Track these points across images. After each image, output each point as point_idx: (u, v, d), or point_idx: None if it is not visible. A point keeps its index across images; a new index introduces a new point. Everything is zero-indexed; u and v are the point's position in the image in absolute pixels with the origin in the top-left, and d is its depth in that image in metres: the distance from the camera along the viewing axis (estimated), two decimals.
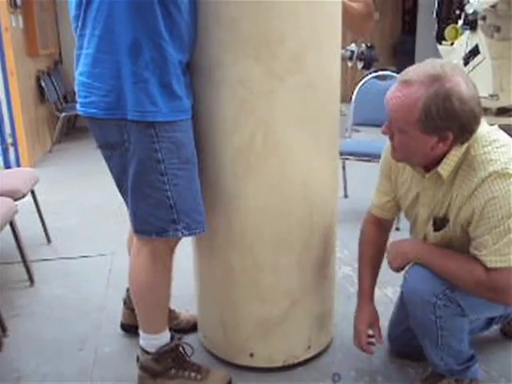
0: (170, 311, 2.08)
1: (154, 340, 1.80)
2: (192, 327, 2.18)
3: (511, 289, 1.50)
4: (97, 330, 2.26)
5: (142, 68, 1.49)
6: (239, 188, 1.76)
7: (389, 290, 2.49)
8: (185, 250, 1.96)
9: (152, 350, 1.80)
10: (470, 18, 4.50)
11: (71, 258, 3.03)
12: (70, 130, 6.77)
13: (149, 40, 1.48)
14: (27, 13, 5.33)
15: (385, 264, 1.79)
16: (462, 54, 4.67)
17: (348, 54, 3.81)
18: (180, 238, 1.72)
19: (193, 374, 1.84)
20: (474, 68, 4.56)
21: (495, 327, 2.09)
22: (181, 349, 1.87)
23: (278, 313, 1.88)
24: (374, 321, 1.86)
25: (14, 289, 2.66)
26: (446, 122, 1.45)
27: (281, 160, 1.72)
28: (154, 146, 1.55)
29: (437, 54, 5.12)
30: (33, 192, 3.08)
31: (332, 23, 1.75)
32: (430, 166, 1.60)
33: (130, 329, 2.13)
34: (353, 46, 3.87)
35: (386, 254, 1.78)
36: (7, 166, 4.76)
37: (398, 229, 3.23)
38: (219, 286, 1.91)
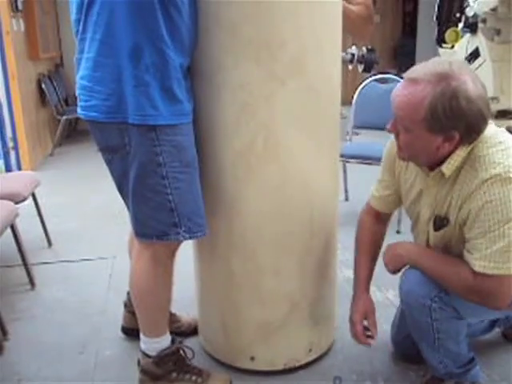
0: (171, 314, 2.08)
1: (155, 343, 1.80)
2: (193, 330, 2.18)
3: (498, 294, 1.49)
4: (97, 334, 2.26)
5: (142, 72, 1.50)
6: (240, 191, 1.76)
7: (390, 292, 2.48)
8: (186, 253, 1.96)
9: (153, 353, 1.80)
10: (471, 20, 4.50)
11: (72, 262, 3.03)
12: (71, 133, 6.78)
13: (150, 44, 1.48)
14: (28, 16, 5.34)
15: None
16: (463, 57, 4.67)
17: (348, 56, 3.81)
18: (181, 242, 1.72)
19: (194, 378, 1.84)
20: (474, 71, 4.56)
21: (497, 330, 2.09)
22: (182, 352, 1.87)
23: (278, 316, 1.87)
24: (369, 311, 1.83)
25: (14, 292, 2.66)
26: (453, 121, 1.43)
27: (281, 163, 1.72)
28: (155, 150, 1.55)
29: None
30: (34, 195, 3.08)
31: (332, 26, 1.76)
32: (434, 165, 1.59)
33: (131, 332, 2.13)
34: (353, 49, 3.86)
35: (382, 256, 1.78)
36: (8, 169, 4.77)
37: (398, 232, 3.23)
38: (220, 290, 1.91)
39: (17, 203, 2.66)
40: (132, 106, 1.51)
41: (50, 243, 3.25)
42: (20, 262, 2.69)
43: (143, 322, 1.81)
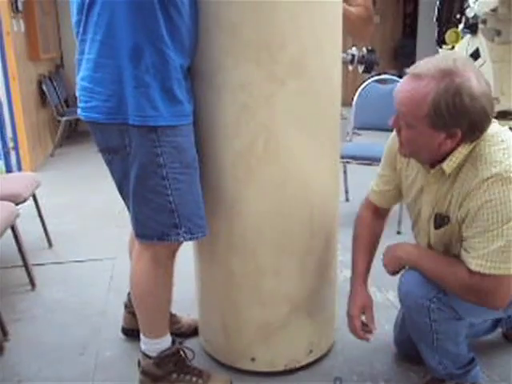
0: (172, 315, 2.08)
1: (156, 344, 1.80)
2: (193, 331, 2.18)
3: (497, 294, 1.48)
4: (98, 334, 2.26)
5: (143, 72, 1.50)
6: (240, 192, 1.76)
7: (390, 293, 2.48)
8: (186, 254, 1.96)
9: (153, 354, 1.80)
10: (471, 21, 4.51)
11: (72, 262, 3.03)
12: (72, 134, 6.78)
13: (150, 44, 1.48)
14: (29, 17, 5.34)
15: None
16: None
17: (349, 57, 3.81)
18: (181, 243, 1.72)
19: (194, 379, 1.84)
20: None
21: (499, 330, 2.09)
22: (182, 353, 1.87)
23: (279, 317, 1.87)
24: (367, 305, 1.81)
25: (15, 293, 2.66)
26: (456, 118, 1.42)
27: (282, 164, 1.72)
28: (155, 151, 1.55)
29: None
30: (34, 196, 3.08)
31: (333, 27, 1.75)
32: (435, 162, 1.58)
33: (131, 333, 2.13)
34: (353, 50, 3.86)
35: (382, 258, 1.78)
36: (9, 170, 4.77)
37: (399, 232, 3.23)
38: (220, 290, 1.91)
39: (17, 204, 2.66)
40: (132, 106, 1.51)
41: (50, 244, 3.25)
42: (20, 262, 2.69)
43: (143, 322, 1.81)
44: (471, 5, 4.40)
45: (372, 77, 3.90)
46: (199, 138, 1.72)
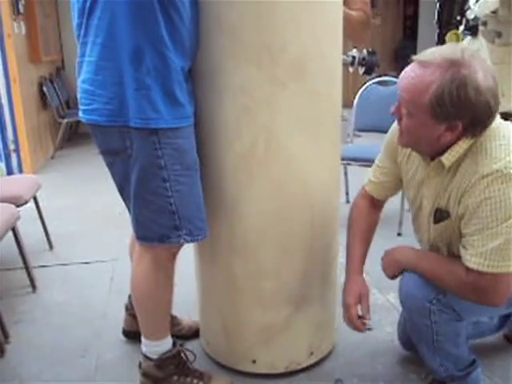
0: (172, 317, 2.08)
1: (156, 347, 1.80)
2: (194, 333, 2.18)
3: (496, 291, 1.47)
4: (99, 337, 2.25)
5: (144, 75, 1.50)
6: (241, 194, 1.76)
7: (391, 295, 2.48)
8: (187, 256, 1.96)
9: (154, 356, 1.80)
10: (471, 23, 4.51)
11: (73, 264, 3.03)
12: (72, 136, 6.78)
13: (151, 47, 1.49)
14: (30, 19, 5.35)
15: None
16: None
17: (349, 59, 3.81)
18: (182, 245, 1.72)
19: (195, 381, 1.84)
20: None
21: (500, 333, 2.09)
22: (183, 355, 1.87)
23: (280, 319, 1.87)
24: (364, 294, 1.76)
25: (16, 295, 2.66)
26: (458, 110, 1.39)
27: (282, 166, 1.73)
28: (156, 153, 1.55)
29: None
30: (35, 198, 3.09)
31: (333, 29, 1.76)
32: (435, 154, 1.56)
33: (132, 335, 2.13)
34: (354, 52, 3.87)
35: (380, 262, 1.78)
36: (9, 172, 4.77)
37: (399, 234, 3.23)
38: (221, 293, 1.91)
39: (18, 206, 2.66)
40: (133, 109, 1.52)
41: (51, 246, 3.25)
42: (21, 264, 2.69)
43: (144, 324, 1.81)
44: (471, 6, 4.40)
45: (372, 79, 3.90)
46: (200, 140, 1.72)
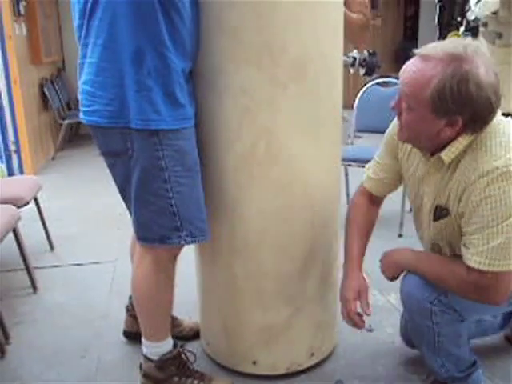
0: (173, 318, 2.08)
1: (157, 348, 1.80)
2: (195, 335, 2.18)
3: (497, 290, 1.47)
4: (99, 338, 2.25)
5: (144, 76, 1.50)
6: (242, 195, 1.76)
7: (392, 296, 2.48)
8: (187, 256, 1.96)
9: (155, 357, 1.80)
10: (472, 24, 4.51)
11: (74, 265, 3.03)
12: (73, 138, 6.79)
13: (152, 48, 1.49)
14: (30, 21, 5.35)
15: None
16: None
17: (350, 60, 3.82)
18: (183, 246, 1.72)
19: (195, 382, 1.84)
20: None
21: (504, 331, 2.09)
22: (183, 356, 1.87)
23: (280, 320, 1.87)
24: (363, 289, 1.73)
25: (16, 296, 2.66)
26: (458, 105, 1.38)
27: (283, 167, 1.73)
28: (157, 154, 1.55)
29: None
30: (36, 199, 3.09)
31: (334, 30, 1.76)
32: (434, 150, 1.55)
33: (133, 336, 2.13)
34: (355, 53, 3.88)
35: (379, 264, 1.77)
36: (10, 173, 4.77)
37: (400, 235, 3.23)
38: (222, 294, 1.91)
39: (19, 207, 2.67)
40: (134, 110, 1.52)
41: (52, 247, 3.25)
42: (22, 265, 2.69)
43: (145, 326, 1.81)
44: (472, 8, 4.40)
45: (373, 79, 3.90)
46: (201, 141, 1.72)
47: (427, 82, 1.39)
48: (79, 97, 1.64)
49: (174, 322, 2.12)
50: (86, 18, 1.53)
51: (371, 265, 1.86)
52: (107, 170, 1.71)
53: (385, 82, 3.89)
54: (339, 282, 2.00)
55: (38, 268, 2.91)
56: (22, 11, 5.04)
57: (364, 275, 1.77)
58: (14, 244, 2.59)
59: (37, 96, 5.57)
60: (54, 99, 5.88)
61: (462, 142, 1.47)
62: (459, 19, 5.02)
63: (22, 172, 4.94)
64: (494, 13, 4.16)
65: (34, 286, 2.70)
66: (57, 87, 6.11)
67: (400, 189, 3.17)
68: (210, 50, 1.66)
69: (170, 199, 1.60)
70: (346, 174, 3.79)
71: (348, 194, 3.88)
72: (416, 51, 1.45)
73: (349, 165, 3.48)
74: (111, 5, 1.48)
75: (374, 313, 2.33)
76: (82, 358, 2.12)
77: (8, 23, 4.70)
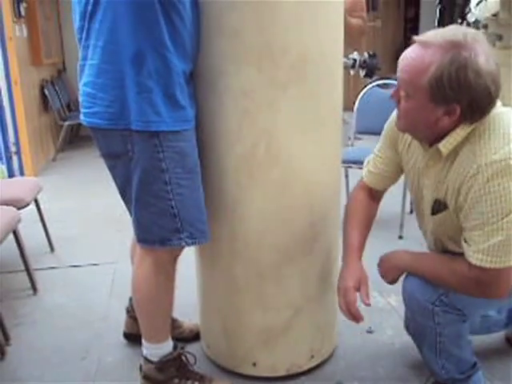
0: (173, 320, 2.08)
1: (157, 349, 1.80)
2: (195, 336, 2.17)
3: (498, 285, 1.47)
4: (99, 339, 2.25)
5: (145, 78, 1.50)
6: (242, 197, 1.76)
7: (392, 298, 2.48)
8: (187, 258, 1.96)
9: (155, 359, 1.80)
10: (472, 26, 4.52)
11: (74, 267, 3.03)
12: (74, 139, 6.79)
13: (152, 50, 1.49)
14: (31, 22, 5.36)
15: None
16: None
17: (350, 62, 3.82)
18: (183, 248, 1.72)
19: (196, 383, 1.84)
20: None
21: (502, 335, 2.08)
22: (184, 358, 1.87)
23: (281, 322, 1.87)
24: (363, 279, 1.67)
25: (17, 297, 2.66)
26: (456, 93, 1.36)
27: (283, 168, 1.73)
28: (157, 156, 1.55)
29: None
30: (36, 201, 3.09)
31: (334, 32, 1.76)
32: (433, 141, 1.53)
33: (133, 338, 2.13)
34: (355, 55, 3.87)
35: (378, 268, 1.77)
36: (11, 174, 4.78)
37: (400, 237, 3.23)
38: (222, 295, 1.91)
39: (19, 209, 2.67)
40: (135, 112, 1.52)
41: (52, 248, 3.25)
42: (22, 267, 2.69)
43: (145, 327, 1.81)
44: (472, 10, 4.41)
45: (373, 81, 3.90)
46: (201, 143, 1.73)
47: (425, 68, 1.38)
48: (80, 98, 1.64)
49: (174, 324, 2.12)
50: (86, 20, 1.53)
51: (371, 267, 1.86)
52: (107, 172, 1.71)
53: (385, 84, 3.89)
54: None
55: (38, 269, 2.91)
56: (23, 13, 5.05)
57: (364, 267, 1.73)
58: (15, 245, 2.59)
59: (37, 97, 5.58)
60: (54, 100, 5.88)
61: (459, 133, 1.46)
62: (459, 21, 5.02)
63: (22, 173, 4.94)
64: (494, 15, 4.17)
65: (34, 288, 2.70)
66: (57, 88, 6.12)
67: (400, 191, 3.18)
68: (210, 52, 1.66)
69: (170, 201, 1.60)
70: (347, 176, 3.79)
71: (348, 196, 3.88)
72: (415, 38, 1.44)
73: (349, 166, 3.48)
74: (112, 7, 1.48)
75: (374, 314, 2.34)
76: (82, 360, 2.12)
77: (8, 25, 4.71)
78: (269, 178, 1.73)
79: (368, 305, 1.63)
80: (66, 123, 6.01)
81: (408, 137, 1.68)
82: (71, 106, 6.65)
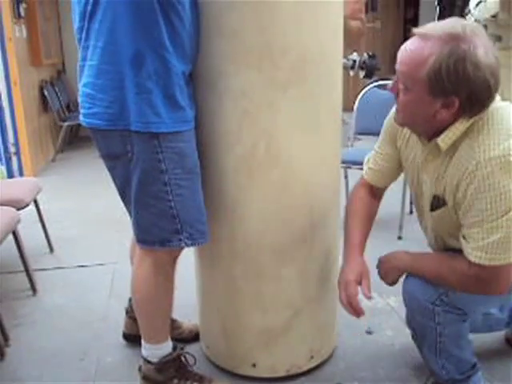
0: (173, 321, 2.08)
1: (157, 350, 1.80)
2: (194, 337, 2.17)
3: (498, 281, 1.46)
4: (99, 340, 2.25)
5: (144, 79, 1.50)
6: (242, 197, 1.76)
7: (391, 299, 2.48)
8: (187, 259, 1.96)
9: (154, 359, 1.80)
10: None
11: (73, 267, 3.03)
12: (73, 140, 6.79)
13: (152, 51, 1.49)
14: (31, 23, 5.36)
15: None
16: None
17: (350, 63, 3.81)
18: (183, 248, 1.72)
19: None
20: None
21: (502, 335, 2.08)
22: (183, 359, 1.87)
23: (280, 323, 1.87)
24: (365, 272, 1.66)
25: (16, 298, 2.66)
26: (455, 85, 1.35)
27: (283, 169, 1.73)
28: (157, 157, 1.55)
29: None
30: (35, 201, 3.09)
31: (334, 32, 1.76)
32: (431, 135, 1.52)
33: (133, 338, 2.13)
34: (355, 55, 3.87)
35: (377, 270, 1.76)
36: (10, 175, 4.78)
37: (400, 238, 3.23)
38: (221, 296, 1.91)
39: (19, 209, 2.67)
40: (134, 113, 1.52)
41: (51, 249, 3.25)
42: (22, 267, 2.69)
43: (144, 328, 1.81)
44: (472, 10, 4.41)
45: (373, 82, 3.90)
46: (201, 144, 1.73)
47: (424, 60, 1.37)
48: (79, 99, 1.64)
49: (174, 325, 2.12)
50: (86, 21, 1.53)
51: (370, 267, 1.86)
52: (107, 172, 1.71)
53: (384, 85, 3.89)
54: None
55: (37, 270, 2.91)
56: (22, 13, 5.05)
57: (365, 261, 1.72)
58: (14, 246, 2.59)
59: (37, 98, 5.58)
60: (53, 101, 5.88)
61: (458, 127, 1.45)
62: None
63: (21, 174, 4.94)
64: (494, 16, 4.17)
65: (33, 288, 2.70)
66: (57, 89, 6.11)
67: (399, 191, 3.18)
68: (210, 52, 1.66)
69: (169, 202, 1.60)
70: (346, 176, 3.79)
71: (348, 196, 3.88)
72: (415, 30, 1.43)
73: (348, 167, 3.48)
74: (111, 7, 1.48)
75: (374, 315, 2.34)
76: (82, 360, 2.12)
77: (8, 25, 4.71)
78: (268, 178, 1.73)
79: (370, 298, 1.62)
80: (66, 124, 6.01)
81: (407, 131, 1.67)
82: (71, 107, 6.64)
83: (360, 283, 1.65)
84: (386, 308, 2.43)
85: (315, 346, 1.97)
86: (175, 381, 1.82)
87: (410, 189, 1.80)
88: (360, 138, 4.06)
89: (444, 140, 1.48)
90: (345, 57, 3.19)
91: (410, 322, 1.75)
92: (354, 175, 3.75)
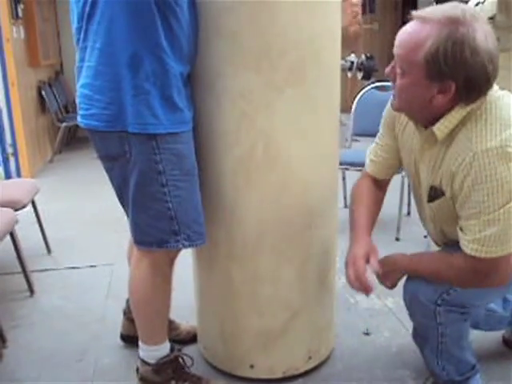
0: (170, 322, 2.08)
1: (154, 351, 1.80)
2: (192, 338, 2.17)
3: (497, 273, 1.46)
4: (97, 341, 2.25)
5: (142, 80, 1.50)
6: (240, 199, 1.76)
7: (389, 300, 2.48)
8: (185, 260, 1.96)
9: (152, 361, 1.80)
10: None
11: (71, 269, 3.02)
12: (71, 141, 6.78)
13: (149, 53, 1.49)
14: (28, 24, 5.35)
15: None
16: None
17: (348, 64, 3.83)
18: (180, 250, 1.72)
19: None
20: None
21: (502, 332, 2.09)
22: (181, 360, 1.87)
23: (278, 324, 1.87)
24: (373, 250, 1.64)
25: (13, 299, 2.66)
26: (452, 69, 1.33)
27: (281, 171, 1.73)
28: (155, 158, 1.55)
29: None
30: (33, 202, 3.08)
31: (332, 34, 1.76)
32: (428, 123, 1.50)
33: (130, 339, 2.12)
34: (352, 57, 3.89)
35: (376, 275, 1.76)
36: (8, 176, 4.77)
37: (397, 239, 3.23)
38: (219, 297, 1.91)
39: (16, 210, 2.66)
40: (132, 114, 1.52)
41: (49, 250, 3.25)
42: (19, 269, 2.68)
43: (142, 329, 1.81)
44: None
45: (371, 83, 3.91)
46: (199, 145, 1.73)
47: (421, 44, 1.35)
48: (77, 100, 1.64)
49: (171, 326, 2.12)
50: (84, 22, 1.53)
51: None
52: (105, 173, 1.71)
53: (382, 86, 3.89)
54: (336, 287, 2.00)
55: (35, 271, 2.90)
56: (20, 14, 5.05)
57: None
58: (11, 247, 2.59)
59: (34, 99, 5.57)
60: (51, 102, 5.87)
61: (455, 115, 1.43)
62: None
63: (19, 175, 4.94)
64: (492, 18, 4.18)
65: (31, 290, 2.70)
66: (55, 90, 6.11)
67: (397, 192, 3.19)
68: (208, 54, 1.66)
69: (167, 203, 1.60)
70: (344, 178, 3.80)
71: (345, 198, 3.89)
72: (414, 14, 1.41)
73: (346, 168, 3.49)
74: (109, 8, 1.48)
75: (371, 317, 2.34)
76: (79, 362, 2.12)
77: (6, 26, 4.70)
78: (267, 179, 1.73)
79: (379, 273, 1.61)
80: (64, 125, 6.00)
81: (404, 119, 1.65)
82: (68, 108, 6.64)
83: (368, 262, 1.62)
84: (384, 309, 2.43)
85: (313, 347, 1.97)
86: (173, 382, 1.82)
87: (409, 179, 1.78)
88: (358, 140, 4.06)
89: (440, 128, 1.46)
90: (343, 58, 3.21)
91: (413, 324, 1.75)
92: (352, 177, 3.76)
